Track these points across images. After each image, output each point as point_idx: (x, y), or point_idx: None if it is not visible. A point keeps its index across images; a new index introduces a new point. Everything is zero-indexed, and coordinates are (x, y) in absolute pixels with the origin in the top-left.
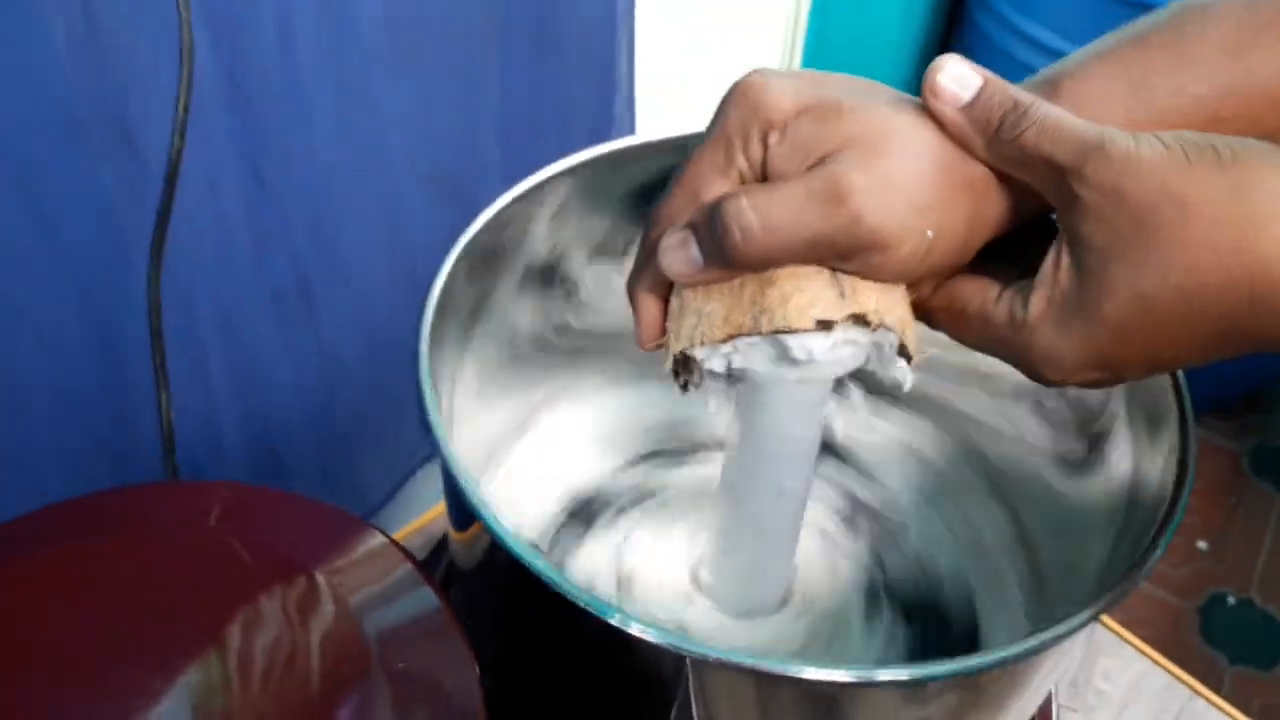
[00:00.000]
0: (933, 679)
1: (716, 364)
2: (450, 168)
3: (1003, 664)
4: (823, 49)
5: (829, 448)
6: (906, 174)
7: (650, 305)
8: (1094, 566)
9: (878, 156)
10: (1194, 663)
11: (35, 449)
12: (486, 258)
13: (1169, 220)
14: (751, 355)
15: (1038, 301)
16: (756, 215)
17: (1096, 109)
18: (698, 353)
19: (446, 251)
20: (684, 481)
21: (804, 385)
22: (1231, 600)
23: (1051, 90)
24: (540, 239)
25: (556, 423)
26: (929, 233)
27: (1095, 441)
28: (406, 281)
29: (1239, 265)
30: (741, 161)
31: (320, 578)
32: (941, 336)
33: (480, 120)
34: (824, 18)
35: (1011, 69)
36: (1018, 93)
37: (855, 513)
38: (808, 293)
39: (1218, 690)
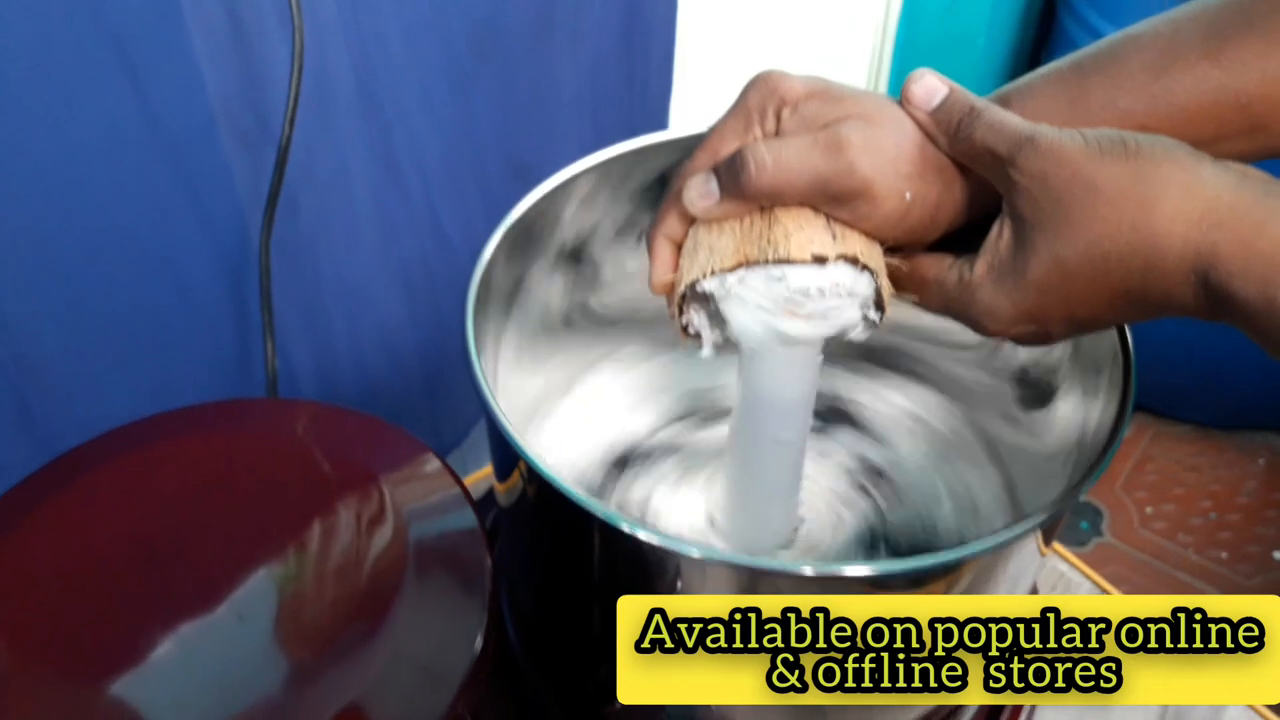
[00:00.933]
0: (889, 575)
1: (720, 293)
2: (526, 157)
3: (947, 566)
4: (911, 61)
5: (845, 415)
6: (894, 144)
7: (665, 248)
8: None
9: (872, 126)
10: None
11: (172, 382)
12: (523, 242)
13: (1080, 199)
14: (752, 289)
15: (980, 265)
16: (770, 154)
17: (1040, 120)
18: (707, 284)
19: None
20: (708, 440)
21: (793, 349)
22: None
23: (1002, 104)
24: (569, 224)
25: (593, 389)
26: (908, 195)
27: (1048, 396)
28: None
29: (1136, 237)
30: (757, 130)
31: (376, 484)
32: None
33: (552, 113)
34: (912, 27)
35: None
36: (974, 100)
37: (864, 473)
38: (807, 231)
39: None
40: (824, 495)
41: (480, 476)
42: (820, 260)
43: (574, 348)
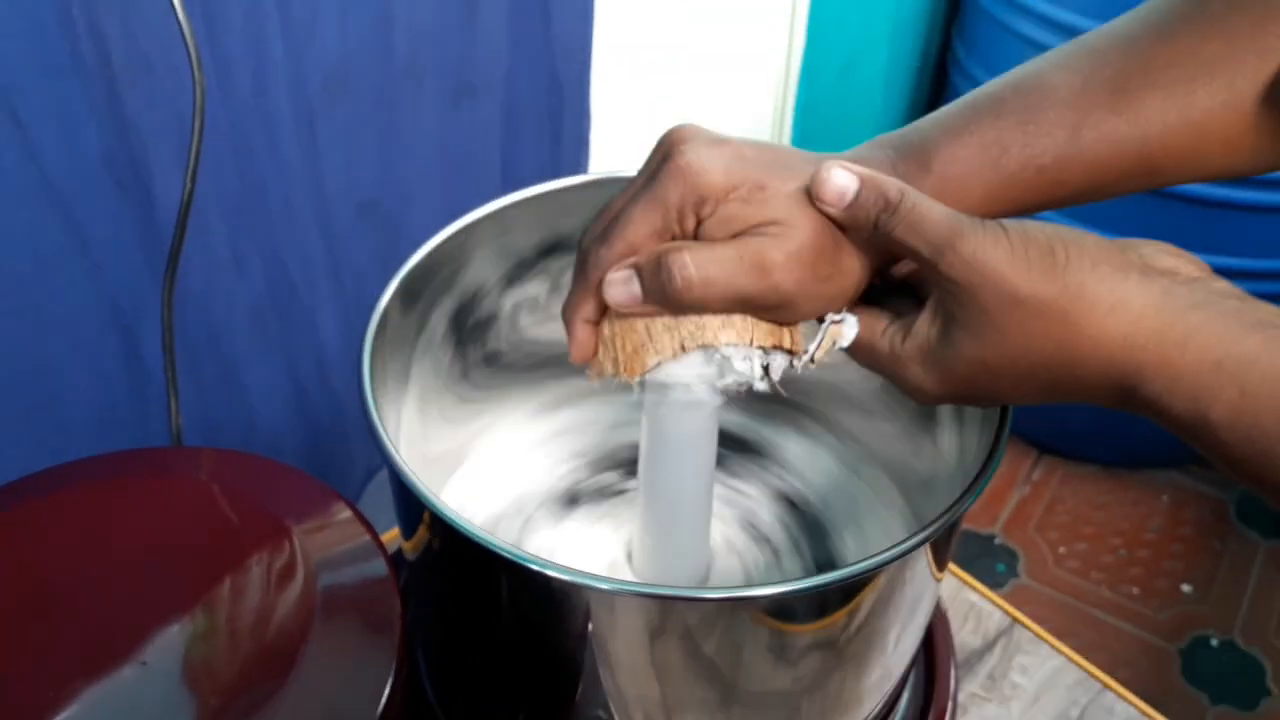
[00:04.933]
0: (791, 594)
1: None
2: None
3: (846, 583)
4: (813, 117)
5: (753, 450)
6: (814, 250)
7: (584, 330)
8: None
9: (793, 235)
10: (1175, 702)
11: (68, 438)
12: (419, 292)
13: (1006, 313)
14: (682, 369)
15: (910, 346)
16: (697, 271)
17: (961, 186)
18: (649, 361)
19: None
20: (618, 483)
21: (693, 407)
22: (1214, 642)
23: (923, 165)
24: (467, 275)
25: (499, 440)
26: (827, 291)
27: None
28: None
29: (1061, 354)
30: (677, 229)
31: (284, 531)
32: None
33: (406, 158)
34: (812, 87)
35: (1016, 46)
36: (889, 190)
37: (775, 509)
38: (736, 324)
39: None
40: (735, 533)
41: (386, 539)
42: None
43: (477, 399)
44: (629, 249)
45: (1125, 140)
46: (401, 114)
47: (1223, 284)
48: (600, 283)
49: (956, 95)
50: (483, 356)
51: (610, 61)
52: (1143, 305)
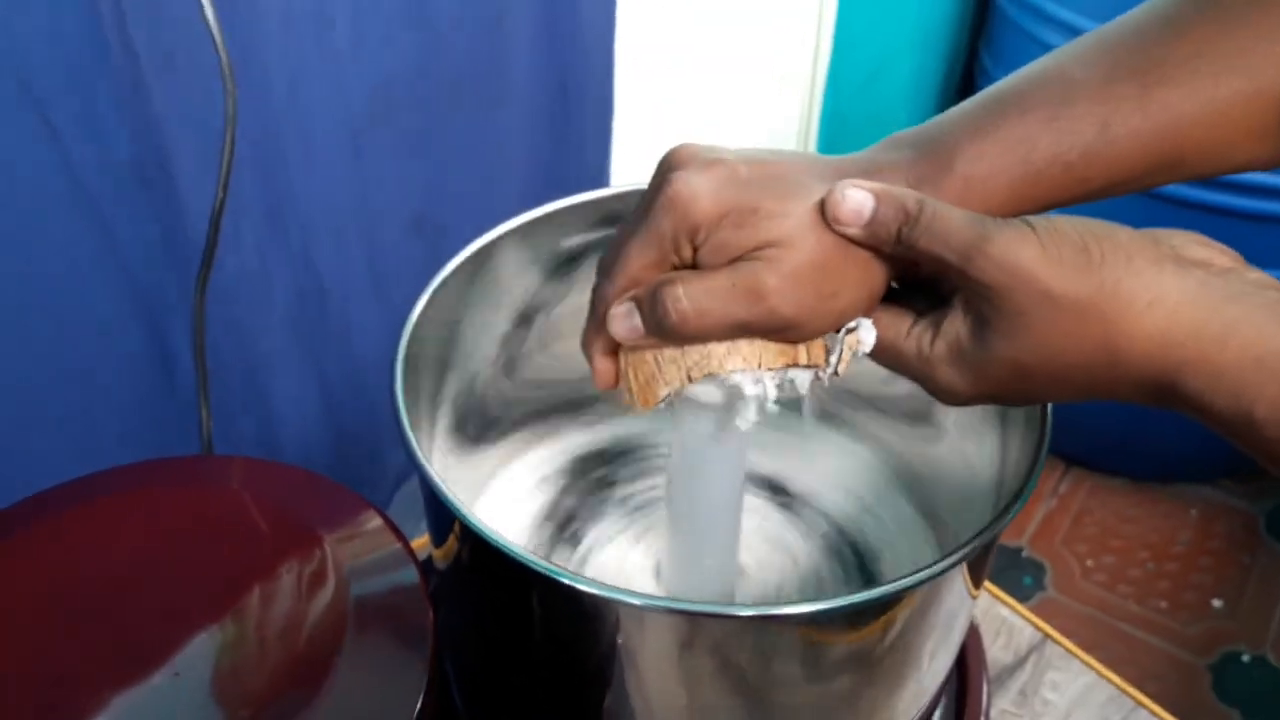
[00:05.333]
0: (824, 613)
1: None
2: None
3: (880, 602)
4: (838, 127)
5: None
6: (814, 268)
7: (603, 361)
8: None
9: (789, 256)
10: (1205, 719)
11: (97, 448)
12: (455, 301)
13: (1040, 314)
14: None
15: (939, 347)
16: (690, 303)
17: (986, 184)
18: (660, 392)
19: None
20: (646, 493)
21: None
22: (1246, 658)
23: (945, 164)
24: (506, 284)
25: (531, 452)
26: (836, 307)
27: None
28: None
29: (1099, 354)
30: (673, 259)
31: (316, 541)
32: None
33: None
34: (837, 97)
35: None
36: (908, 201)
37: (806, 522)
38: (740, 351)
39: None
40: (765, 546)
41: (417, 546)
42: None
43: (510, 411)
44: (630, 282)
45: (1152, 134)
46: (440, 127)
47: (1257, 274)
48: (609, 323)
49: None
50: (522, 361)
51: (634, 67)
52: (1179, 299)
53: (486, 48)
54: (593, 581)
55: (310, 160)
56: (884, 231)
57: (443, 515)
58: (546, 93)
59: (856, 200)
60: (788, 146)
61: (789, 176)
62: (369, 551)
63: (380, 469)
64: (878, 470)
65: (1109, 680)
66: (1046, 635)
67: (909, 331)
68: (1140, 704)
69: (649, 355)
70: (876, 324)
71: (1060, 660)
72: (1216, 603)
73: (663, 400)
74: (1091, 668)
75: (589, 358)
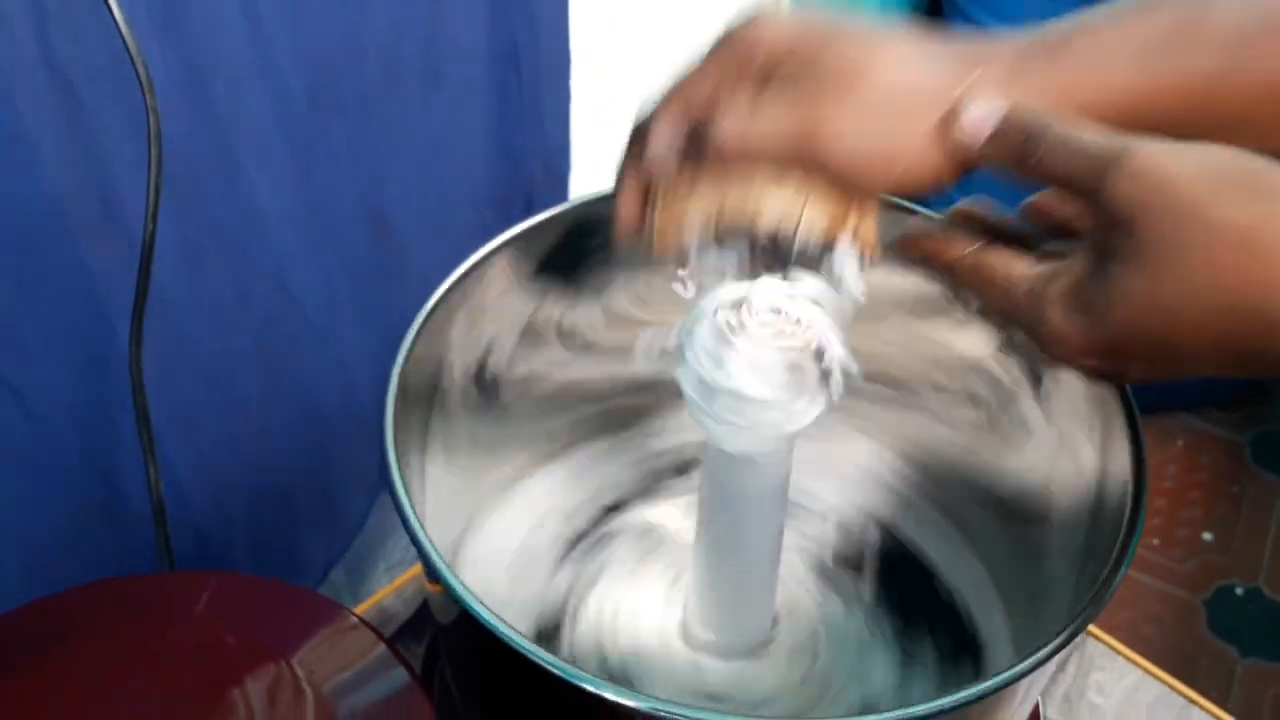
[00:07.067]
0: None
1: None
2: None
3: (966, 702)
4: None
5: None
6: (875, 109)
7: (631, 194)
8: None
9: (851, 93)
10: (1204, 657)
11: (27, 518)
12: (439, 329)
13: (1192, 240)
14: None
15: (1057, 286)
16: (738, 122)
17: (1100, 86)
18: (688, 236)
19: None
20: (659, 519)
21: (762, 460)
22: (1240, 591)
23: (1053, 56)
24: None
25: (533, 477)
26: (895, 157)
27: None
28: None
29: (1258, 293)
30: (731, 89)
31: (298, 665)
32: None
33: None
34: None
35: None
36: (1032, 120)
37: (840, 560)
38: (780, 199)
39: (1229, 684)
40: (803, 573)
41: (410, 576)
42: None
43: (502, 435)
44: (683, 106)
45: None
46: (381, 112)
47: None
48: (649, 145)
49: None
50: (506, 385)
51: (588, 37)
52: None
53: (425, 16)
54: (637, 694)
55: (267, 163)
56: (1006, 149)
57: (434, 570)
58: (498, 64)
59: (979, 111)
60: None
61: (867, 29)
62: (352, 662)
63: (360, 469)
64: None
65: (1156, 677)
66: (1088, 633)
67: (1024, 269)
68: (1193, 701)
69: (683, 192)
70: (987, 259)
71: (1103, 659)
72: (1207, 536)
73: (689, 249)
74: (1137, 665)
75: (616, 193)
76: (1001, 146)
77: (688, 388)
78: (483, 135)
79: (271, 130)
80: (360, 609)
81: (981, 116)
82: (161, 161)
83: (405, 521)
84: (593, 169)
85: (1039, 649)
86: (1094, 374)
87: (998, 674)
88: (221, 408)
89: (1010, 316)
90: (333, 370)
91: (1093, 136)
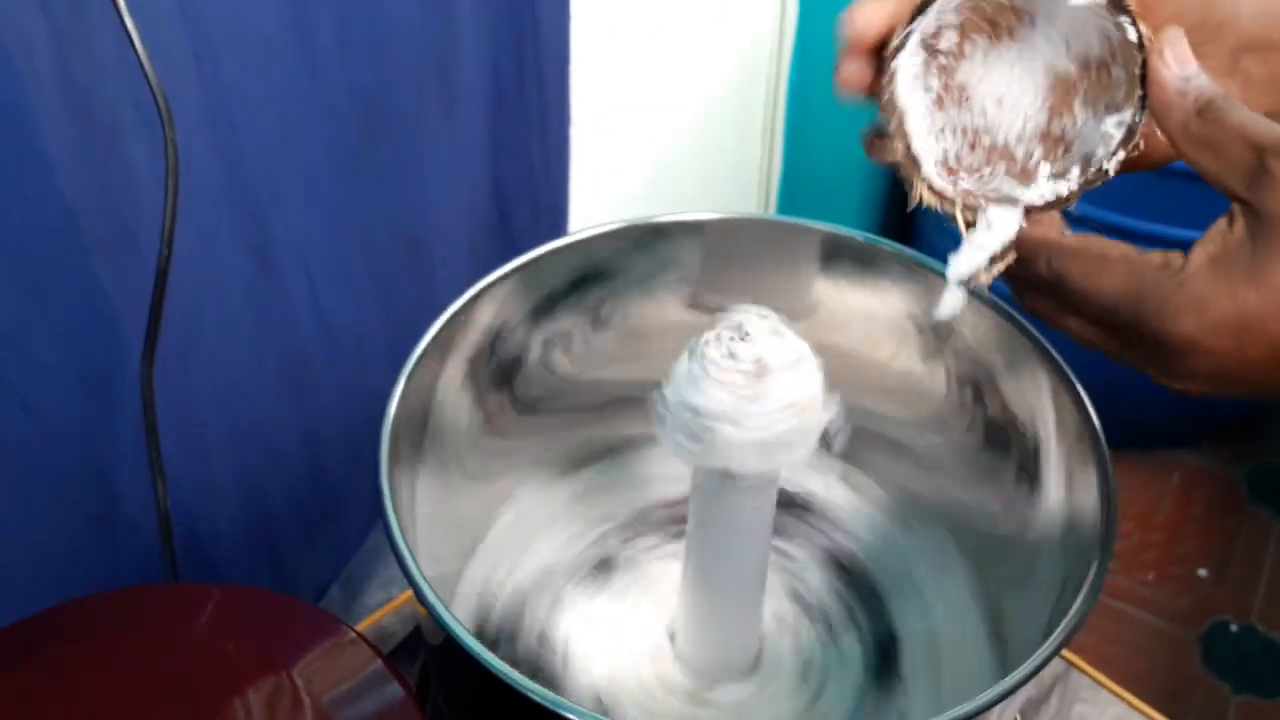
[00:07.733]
0: None
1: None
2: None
3: None
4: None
5: (804, 506)
6: None
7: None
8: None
9: None
10: (1197, 693)
11: (32, 529)
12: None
13: None
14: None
15: (1200, 253)
16: None
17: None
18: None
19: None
20: (657, 548)
21: (748, 491)
22: (1234, 628)
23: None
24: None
25: (529, 502)
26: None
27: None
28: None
29: None
30: None
31: (297, 677)
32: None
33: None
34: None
35: None
36: (1214, 91)
37: (828, 577)
38: None
39: None
40: (785, 606)
41: (408, 596)
42: None
43: (502, 454)
44: None
45: None
46: (412, 138)
47: None
48: None
49: None
50: (509, 402)
51: (588, 50)
52: None
53: (439, 36)
54: (572, 707)
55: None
56: (1197, 95)
57: (423, 598)
58: (499, 77)
59: (1186, 51)
60: (754, 114)
61: None
62: (346, 676)
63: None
64: (895, 514)
65: (1139, 710)
66: (1071, 664)
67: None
68: None
69: None
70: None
71: (1087, 691)
72: (1202, 572)
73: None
74: (1120, 697)
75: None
76: (1195, 90)
77: (660, 407)
78: (489, 152)
79: (320, 160)
80: (361, 626)
81: (1186, 55)
82: (178, 192)
83: (395, 549)
84: (592, 177)
85: (1003, 680)
86: (1195, 377)
87: (967, 702)
88: (232, 428)
89: (1127, 289)
90: (359, 393)
91: (1264, 119)
